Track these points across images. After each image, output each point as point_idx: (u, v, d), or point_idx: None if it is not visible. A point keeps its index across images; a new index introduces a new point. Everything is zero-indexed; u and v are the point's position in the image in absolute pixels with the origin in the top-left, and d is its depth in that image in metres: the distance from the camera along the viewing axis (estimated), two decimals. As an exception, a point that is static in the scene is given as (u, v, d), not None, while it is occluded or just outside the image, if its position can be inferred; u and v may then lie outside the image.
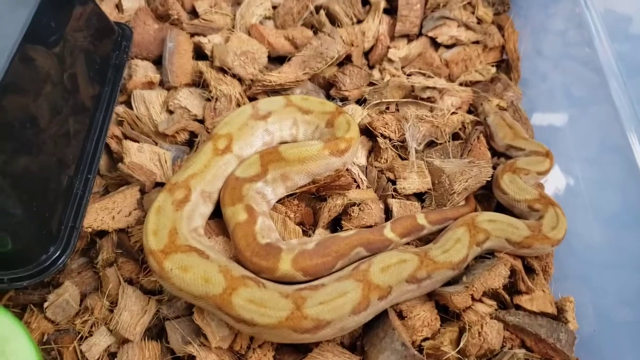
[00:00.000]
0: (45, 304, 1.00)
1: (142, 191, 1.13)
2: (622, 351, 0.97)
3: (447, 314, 1.01)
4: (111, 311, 1.00)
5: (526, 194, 1.10)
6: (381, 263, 0.94)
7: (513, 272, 1.02)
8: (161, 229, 0.95)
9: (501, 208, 1.16)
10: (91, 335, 0.98)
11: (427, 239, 1.09)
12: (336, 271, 0.97)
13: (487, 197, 1.18)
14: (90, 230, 1.04)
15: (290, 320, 0.84)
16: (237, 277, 0.89)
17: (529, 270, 1.08)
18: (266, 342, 0.94)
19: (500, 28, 1.50)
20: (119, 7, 1.43)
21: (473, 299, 0.98)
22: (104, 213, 1.07)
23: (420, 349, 0.94)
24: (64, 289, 1.01)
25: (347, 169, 1.12)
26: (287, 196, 1.11)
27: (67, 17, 1.10)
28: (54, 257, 0.97)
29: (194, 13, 1.46)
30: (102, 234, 1.08)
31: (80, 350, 0.96)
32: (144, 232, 0.95)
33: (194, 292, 0.87)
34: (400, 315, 0.97)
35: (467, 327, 0.95)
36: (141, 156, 1.15)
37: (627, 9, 1.26)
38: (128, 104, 1.27)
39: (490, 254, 1.06)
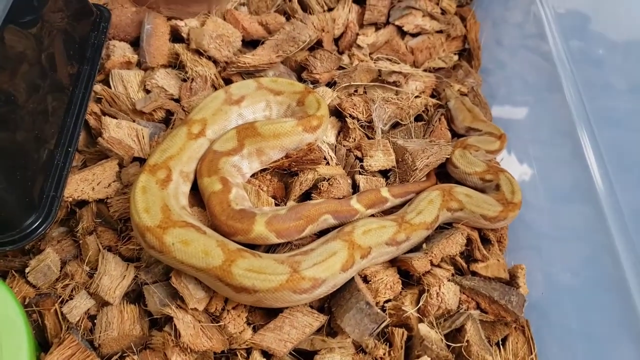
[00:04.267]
0: (27, 269, 1.03)
1: (121, 165, 1.17)
2: (566, 312, 1.06)
3: (409, 279, 1.08)
4: (91, 276, 1.04)
5: (476, 167, 1.19)
6: (363, 227, 1.02)
7: (469, 241, 1.11)
8: (152, 206, 0.98)
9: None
10: (72, 298, 1.02)
11: (390, 212, 1.16)
12: (305, 236, 1.05)
13: (447, 174, 1.26)
14: (70, 199, 1.09)
15: (290, 282, 0.90)
16: (234, 250, 0.94)
17: (485, 241, 1.17)
18: (240, 304, 0.99)
19: (463, 19, 1.59)
20: (97, -11, 1.46)
21: (432, 264, 1.06)
22: (84, 184, 1.11)
23: (383, 309, 1.02)
24: (46, 255, 1.04)
25: (317, 147, 1.18)
26: (261, 171, 1.17)
27: (46, -1, 1.13)
28: (36, 224, 1.01)
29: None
30: (82, 204, 1.12)
31: (62, 312, 1.00)
32: (134, 211, 0.97)
33: (196, 265, 0.91)
34: (365, 280, 1.05)
35: (426, 288, 1.03)
36: (119, 131, 1.19)
37: (577, 5, 1.35)
38: (106, 82, 1.30)
39: (448, 225, 1.14)
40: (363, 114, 1.29)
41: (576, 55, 1.27)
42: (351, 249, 0.97)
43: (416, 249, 1.09)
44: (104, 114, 1.24)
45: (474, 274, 1.10)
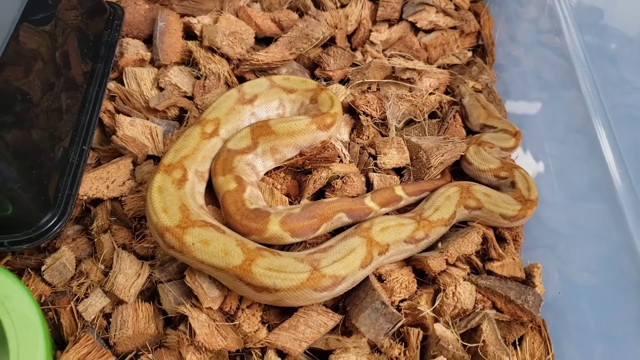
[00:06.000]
0: (43, 267, 1.04)
1: (135, 163, 1.18)
2: (582, 311, 1.05)
3: (424, 278, 1.08)
4: (106, 275, 1.05)
5: (490, 164, 1.18)
6: (381, 224, 1.02)
7: (485, 240, 1.10)
8: (170, 206, 0.97)
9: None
10: (87, 296, 1.02)
11: (405, 210, 1.16)
12: (319, 235, 1.04)
13: (461, 172, 1.25)
14: (85, 198, 1.09)
15: (311, 280, 0.90)
16: (254, 249, 0.94)
17: (501, 240, 1.16)
18: (254, 303, 0.99)
19: (477, 15, 1.58)
20: (109, -14, 1.46)
21: (448, 263, 1.05)
22: (99, 182, 1.11)
23: (398, 309, 1.02)
24: (61, 253, 1.05)
25: (331, 144, 1.18)
26: (275, 169, 1.17)
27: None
28: (52, 222, 1.01)
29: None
30: (97, 202, 1.13)
31: (77, 311, 1.01)
32: (152, 211, 0.97)
33: (216, 264, 0.91)
34: (380, 279, 1.04)
35: (441, 288, 1.03)
36: (133, 129, 1.19)
37: (594, 1, 1.33)
38: (120, 80, 1.31)
39: (463, 223, 1.13)
40: (377, 111, 1.28)
41: (593, 51, 1.25)
42: (369, 246, 0.97)
43: (431, 247, 1.08)
44: (118, 111, 1.24)
45: (490, 273, 1.09)
